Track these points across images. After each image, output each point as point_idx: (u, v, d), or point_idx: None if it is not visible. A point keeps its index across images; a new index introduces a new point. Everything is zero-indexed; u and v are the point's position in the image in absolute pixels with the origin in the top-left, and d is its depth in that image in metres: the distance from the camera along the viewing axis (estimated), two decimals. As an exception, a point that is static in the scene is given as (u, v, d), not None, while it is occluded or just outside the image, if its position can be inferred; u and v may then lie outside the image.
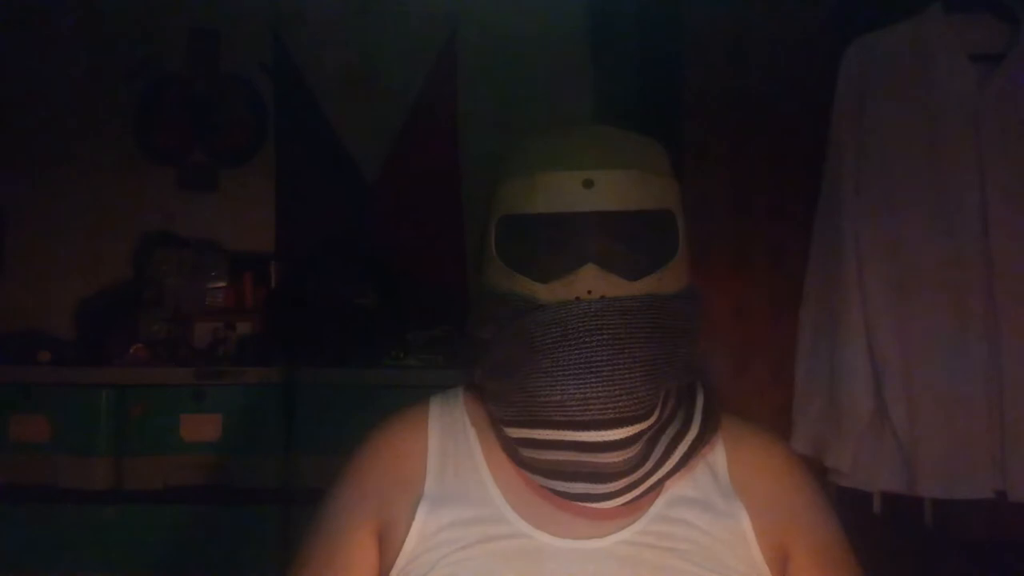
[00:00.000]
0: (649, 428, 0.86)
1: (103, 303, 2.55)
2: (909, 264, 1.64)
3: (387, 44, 2.70)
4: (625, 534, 0.88)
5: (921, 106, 1.65)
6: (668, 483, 0.90)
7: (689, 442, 0.90)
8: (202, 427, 2.18)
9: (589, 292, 0.85)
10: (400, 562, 0.88)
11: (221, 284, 2.51)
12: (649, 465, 0.87)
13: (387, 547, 0.91)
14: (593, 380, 0.82)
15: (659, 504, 0.90)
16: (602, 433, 0.83)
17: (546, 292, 0.87)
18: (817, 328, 1.73)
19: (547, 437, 0.86)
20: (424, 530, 0.88)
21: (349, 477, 0.97)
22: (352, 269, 2.56)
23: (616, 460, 0.84)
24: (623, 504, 0.86)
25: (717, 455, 0.95)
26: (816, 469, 1.61)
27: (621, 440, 0.84)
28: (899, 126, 1.67)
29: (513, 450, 0.90)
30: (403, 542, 0.88)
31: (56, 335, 2.52)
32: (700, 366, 0.93)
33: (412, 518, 0.89)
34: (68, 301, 2.58)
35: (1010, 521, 1.62)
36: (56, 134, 2.63)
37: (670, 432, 0.90)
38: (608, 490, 0.85)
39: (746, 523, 0.91)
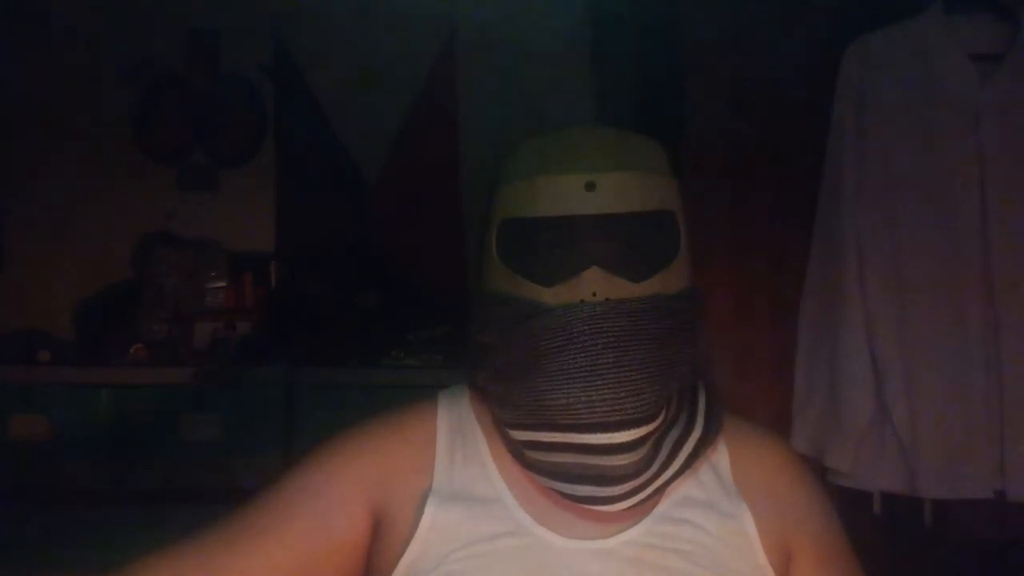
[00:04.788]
0: (655, 430, 0.86)
1: (103, 303, 2.55)
2: (909, 264, 1.64)
3: (387, 44, 2.70)
4: (630, 534, 0.88)
5: (921, 106, 1.65)
6: (673, 484, 0.90)
7: (693, 444, 0.90)
8: (201, 427, 2.18)
9: (594, 295, 0.85)
10: (408, 556, 0.87)
11: (221, 284, 2.51)
12: (655, 468, 0.87)
13: (388, 535, 0.90)
14: (599, 383, 0.82)
15: (664, 504, 0.90)
16: (609, 435, 0.83)
17: (550, 295, 0.87)
18: (817, 329, 1.73)
19: (553, 439, 0.86)
20: (433, 525, 0.87)
21: (352, 438, 0.95)
22: (352, 269, 2.56)
23: (622, 463, 0.84)
24: (628, 507, 0.86)
25: (720, 456, 0.95)
26: (816, 469, 1.61)
27: (628, 443, 0.83)
28: (899, 126, 1.67)
29: (518, 452, 0.90)
30: (411, 535, 0.88)
31: (56, 335, 2.52)
32: (703, 366, 0.93)
33: (420, 512, 0.88)
34: (68, 301, 2.58)
35: (1010, 521, 1.62)
36: (56, 134, 2.63)
37: (674, 434, 0.90)
38: (614, 493, 0.85)
39: (750, 524, 0.91)
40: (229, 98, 2.73)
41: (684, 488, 0.92)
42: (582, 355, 0.83)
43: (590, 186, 0.86)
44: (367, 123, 2.73)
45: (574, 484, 0.86)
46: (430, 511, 0.88)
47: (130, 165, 2.68)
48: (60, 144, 2.63)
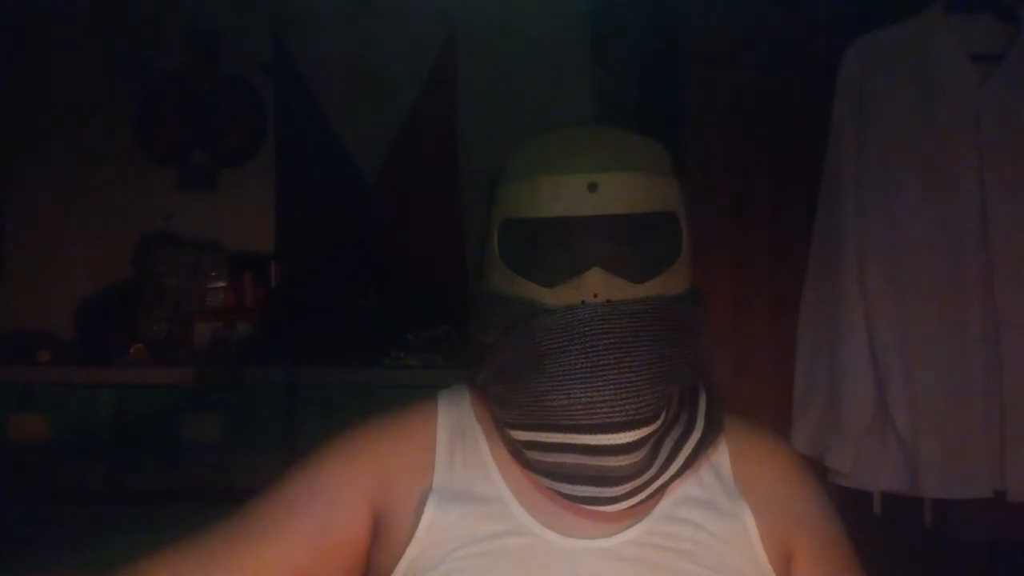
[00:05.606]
0: (656, 431, 0.86)
1: (103, 303, 2.55)
2: (909, 264, 1.64)
3: (387, 44, 2.70)
4: (631, 534, 0.88)
5: (921, 106, 1.65)
6: (674, 483, 0.90)
7: (694, 444, 0.90)
8: (201, 427, 2.19)
9: (595, 296, 0.85)
10: (408, 555, 0.87)
11: (221, 284, 2.51)
12: (655, 468, 0.87)
13: (389, 535, 0.90)
14: (600, 384, 0.82)
15: (665, 504, 0.90)
16: (610, 437, 0.83)
17: (551, 296, 0.87)
18: (817, 328, 1.73)
19: (553, 440, 0.86)
20: (433, 525, 0.88)
21: (353, 438, 0.95)
22: (352, 269, 2.56)
23: (623, 464, 0.84)
24: (629, 507, 0.86)
25: (720, 455, 0.95)
26: (816, 469, 1.61)
27: (629, 444, 0.83)
28: (899, 126, 1.67)
29: (518, 452, 0.90)
30: (411, 535, 0.88)
31: (56, 335, 2.52)
32: (703, 367, 0.93)
33: (420, 511, 0.88)
34: (68, 301, 2.58)
35: (1010, 521, 1.62)
36: (56, 134, 2.63)
37: (674, 434, 0.90)
38: (614, 494, 0.85)
39: (751, 523, 0.91)
40: (229, 98, 2.73)
41: (685, 488, 0.92)
42: (583, 356, 0.83)
43: (592, 187, 0.86)
44: (367, 123, 2.73)
45: (574, 484, 0.86)
46: (430, 511, 0.88)
47: (130, 165, 2.68)
48: (60, 144, 2.63)
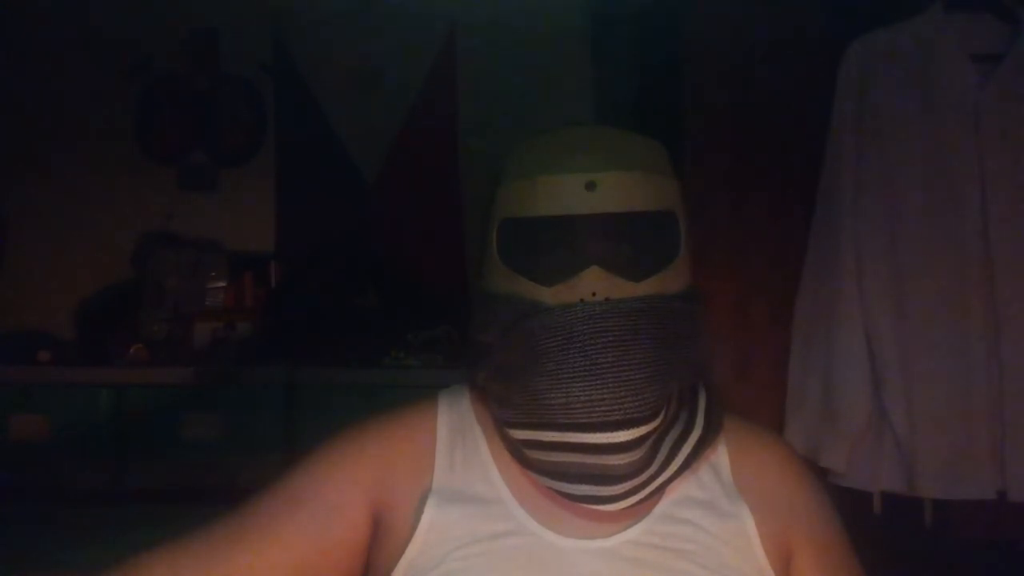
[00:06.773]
0: (655, 430, 0.86)
1: (103, 303, 2.56)
2: (909, 264, 1.64)
3: (387, 44, 2.71)
4: (631, 534, 0.88)
5: (921, 106, 1.65)
6: (673, 483, 0.90)
7: (693, 444, 0.90)
8: (201, 427, 2.19)
9: (593, 294, 0.85)
10: (408, 555, 0.87)
11: (221, 284, 2.51)
12: (654, 468, 0.87)
13: (388, 535, 0.90)
14: (598, 383, 0.82)
15: (664, 504, 0.90)
16: (608, 435, 0.83)
17: (550, 295, 0.87)
18: (811, 327, 1.73)
19: (552, 439, 0.86)
20: (433, 525, 0.88)
21: (353, 437, 0.95)
22: (352, 269, 2.56)
23: (622, 462, 0.84)
24: (628, 507, 0.86)
25: (720, 456, 0.95)
26: (816, 469, 1.61)
27: (628, 442, 0.83)
28: (899, 126, 1.67)
29: (517, 451, 0.90)
30: (411, 535, 0.88)
31: (56, 335, 2.52)
32: (703, 366, 0.93)
33: (420, 511, 0.88)
34: (68, 301, 2.59)
35: (1010, 521, 1.62)
36: (56, 135, 2.63)
37: (674, 434, 0.90)
38: (613, 492, 0.85)
39: (750, 524, 0.91)
40: (229, 98, 2.74)
41: (684, 488, 0.92)
42: (581, 355, 0.83)
43: (590, 186, 0.86)
44: (367, 123, 2.74)
45: (573, 483, 0.86)
46: (430, 511, 0.88)
47: (130, 165, 2.68)
48: (60, 144, 2.63)
